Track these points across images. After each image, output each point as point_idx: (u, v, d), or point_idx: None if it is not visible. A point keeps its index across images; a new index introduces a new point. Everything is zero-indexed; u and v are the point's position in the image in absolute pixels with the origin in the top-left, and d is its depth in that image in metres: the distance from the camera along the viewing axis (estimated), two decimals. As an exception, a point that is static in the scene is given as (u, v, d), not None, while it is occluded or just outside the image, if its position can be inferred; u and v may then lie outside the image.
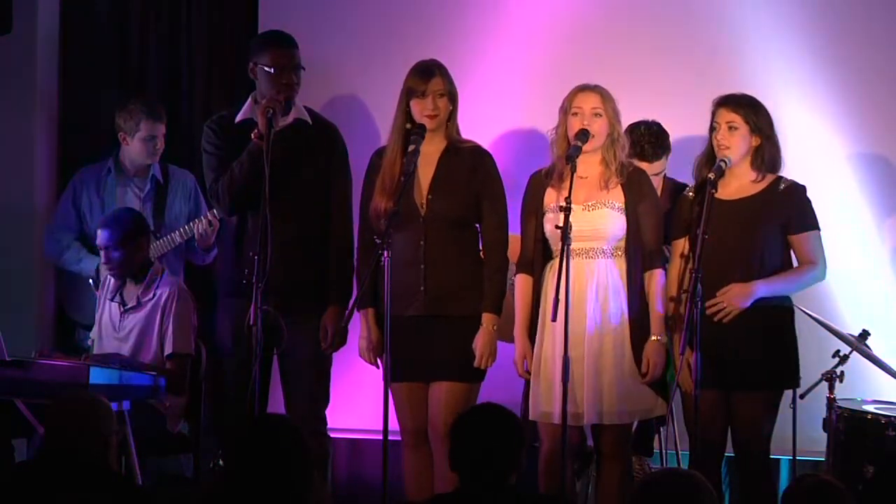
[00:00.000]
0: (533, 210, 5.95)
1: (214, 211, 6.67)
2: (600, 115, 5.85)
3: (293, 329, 6.23)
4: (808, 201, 5.92)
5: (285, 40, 6.34)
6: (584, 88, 5.89)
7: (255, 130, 6.07)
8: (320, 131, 6.36)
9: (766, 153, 5.88)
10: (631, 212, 5.87)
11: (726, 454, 6.02)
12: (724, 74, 6.57)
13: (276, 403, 6.43)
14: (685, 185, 6.25)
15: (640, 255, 5.86)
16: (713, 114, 5.92)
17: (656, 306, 5.83)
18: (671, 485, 3.98)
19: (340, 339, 6.27)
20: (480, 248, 6.07)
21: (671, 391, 5.97)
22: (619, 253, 5.87)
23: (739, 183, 5.92)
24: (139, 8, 7.39)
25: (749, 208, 5.87)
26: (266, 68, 6.25)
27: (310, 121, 6.35)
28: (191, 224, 6.72)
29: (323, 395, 6.35)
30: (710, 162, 5.89)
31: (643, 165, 6.20)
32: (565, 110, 5.88)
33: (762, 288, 5.80)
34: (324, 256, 6.30)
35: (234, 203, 6.27)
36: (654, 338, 5.82)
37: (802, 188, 5.93)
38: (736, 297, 5.78)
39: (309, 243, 6.28)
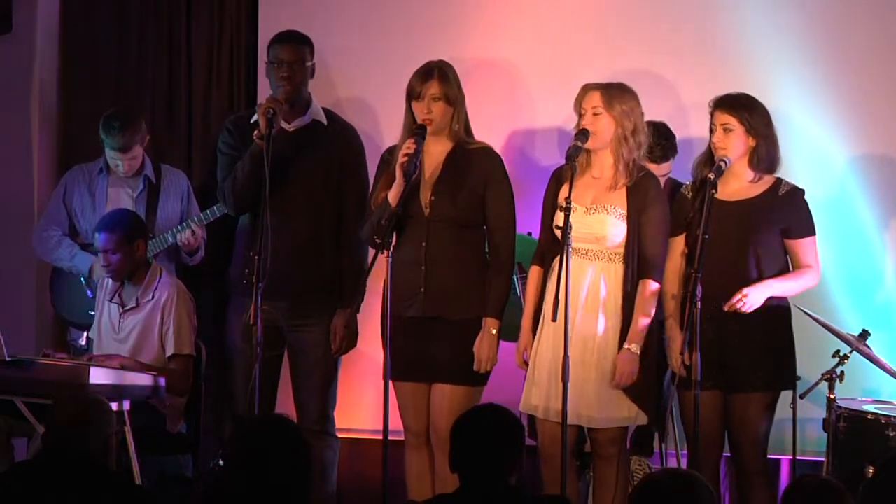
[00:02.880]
0: (549, 204, 5.94)
1: (200, 216, 6.69)
2: (599, 114, 5.82)
3: (305, 329, 6.25)
4: (807, 206, 5.93)
5: (286, 36, 6.36)
6: (587, 88, 5.88)
7: (256, 131, 6.07)
8: (336, 132, 6.36)
9: (763, 153, 5.88)
10: (633, 219, 5.83)
11: (726, 454, 6.03)
12: (725, 75, 6.57)
13: (285, 403, 6.43)
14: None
15: (638, 262, 5.85)
16: (711, 115, 5.92)
17: (639, 316, 5.80)
18: (671, 485, 3.98)
19: (350, 342, 6.27)
20: (487, 250, 6.06)
21: (670, 393, 5.97)
22: (618, 258, 5.85)
23: (739, 184, 5.92)
24: (139, 8, 7.38)
25: (749, 210, 5.87)
26: (268, 63, 6.28)
27: (325, 122, 6.35)
28: (183, 224, 6.72)
29: (331, 396, 6.36)
30: (710, 162, 5.89)
31: (650, 167, 6.20)
32: (576, 109, 5.89)
33: (774, 286, 5.81)
34: (337, 258, 6.28)
35: (237, 203, 6.28)
36: (626, 346, 5.78)
37: (802, 192, 5.94)
38: (752, 294, 5.77)
39: (322, 244, 6.28)
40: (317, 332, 6.27)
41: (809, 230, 5.92)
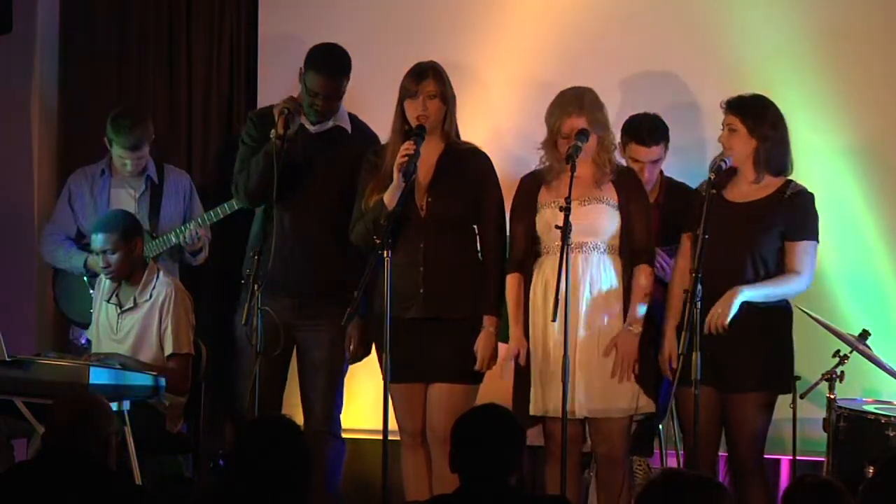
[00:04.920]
0: (524, 210, 5.95)
1: (204, 217, 6.69)
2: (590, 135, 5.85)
3: (313, 329, 6.24)
4: (813, 210, 5.89)
5: (325, 66, 6.24)
6: (570, 113, 5.82)
7: (273, 130, 6.06)
8: (359, 138, 6.34)
9: (763, 156, 5.87)
10: (624, 209, 5.88)
11: (723, 453, 6.03)
12: (724, 75, 6.57)
13: (293, 402, 6.45)
14: (682, 184, 6.32)
15: (630, 251, 5.87)
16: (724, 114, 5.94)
17: (637, 300, 5.84)
18: (696, 488, 3.90)
19: (364, 350, 6.26)
20: (479, 249, 6.06)
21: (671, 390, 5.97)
22: (613, 250, 5.88)
23: (747, 185, 5.92)
24: (139, 8, 7.39)
25: (753, 212, 5.86)
26: (305, 83, 6.23)
27: (349, 128, 6.34)
28: (185, 224, 6.72)
29: (337, 397, 6.36)
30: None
31: (640, 150, 6.22)
32: (555, 130, 5.84)
33: (745, 292, 5.78)
34: (352, 261, 6.26)
35: (249, 198, 6.29)
36: (626, 327, 5.83)
37: (810, 196, 5.89)
38: (721, 306, 5.76)
39: (337, 247, 6.26)
40: (324, 332, 6.25)
41: (806, 234, 5.87)
